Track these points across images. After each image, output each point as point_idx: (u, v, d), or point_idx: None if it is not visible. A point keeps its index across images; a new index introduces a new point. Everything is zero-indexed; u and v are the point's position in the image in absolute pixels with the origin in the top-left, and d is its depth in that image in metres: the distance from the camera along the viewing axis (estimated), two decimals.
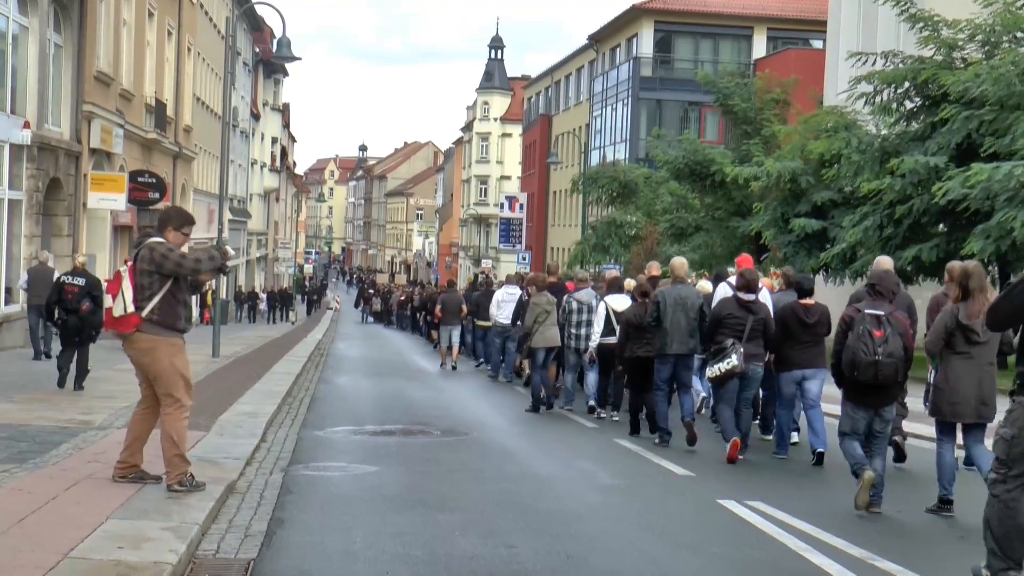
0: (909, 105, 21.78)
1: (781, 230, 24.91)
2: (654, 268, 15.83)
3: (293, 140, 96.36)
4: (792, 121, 29.70)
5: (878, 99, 22.09)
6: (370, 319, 67.01)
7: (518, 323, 19.29)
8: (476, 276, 40.61)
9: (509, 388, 20.06)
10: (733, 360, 11.50)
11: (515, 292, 21.13)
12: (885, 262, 9.83)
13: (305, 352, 27.94)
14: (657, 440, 12.78)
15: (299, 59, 24.52)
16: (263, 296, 62.17)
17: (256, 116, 65.35)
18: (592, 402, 15.70)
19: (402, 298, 56.42)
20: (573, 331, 15.95)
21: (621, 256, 38.57)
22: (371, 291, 74.41)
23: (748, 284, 11.77)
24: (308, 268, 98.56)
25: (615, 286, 15.86)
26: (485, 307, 23.15)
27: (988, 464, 7.16)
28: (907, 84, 21.30)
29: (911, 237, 20.63)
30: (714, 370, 11.69)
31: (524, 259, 55.64)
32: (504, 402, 18.07)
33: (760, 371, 11.90)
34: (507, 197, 73.82)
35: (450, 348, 25.52)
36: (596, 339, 15.26)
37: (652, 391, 13.11)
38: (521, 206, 71.17)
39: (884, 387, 9.01)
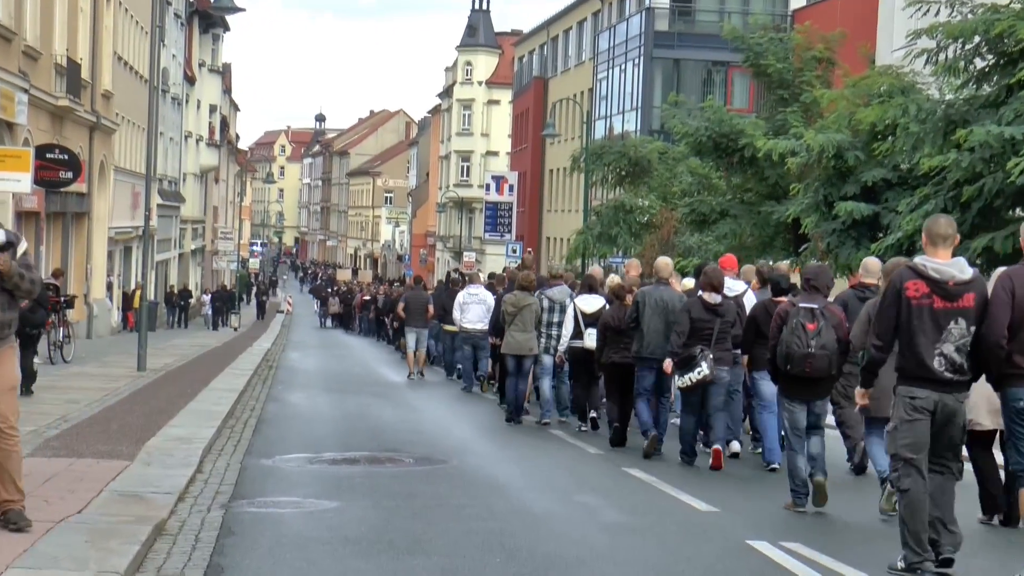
0: (980, 64, 21.74)
1: (824, 216, 24.88)
2: (633, 267, 17.08)
3: (236, 109, 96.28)
4: (838, 84, 29.68)
5: (942, 57, 22.05)
6: (328, 323, 67.12)
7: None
8: (448, 274, 40.75)
9: (495, 407, 20.10)
10: (704, 369, 12.86)
11: (479, 292, 22.40)
12: (873, 263, 10.60)
13: (251, 364, 27.93)
14: (645, 448, 13.98)
15: (243, 10, 24.48)
16: (205, 298, 62.14)
17: (191, 79, 65.24)
18: (557, 413, 17.26)
19: (365, 298, 56.57)
20: (545, 331, 17.14)
21: (631, 247, 38.55)
22: (329, 290, 74.45)
23: (712, 284, 13.06)
24: (254, 263, 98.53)
25: (586, 286, 16.98)
26: (451, 308, 23.89)
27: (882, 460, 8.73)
28: (977, 38, 21.25)
29: (982, 224, 20.62)
30: (685, 380, 13.04)
31: (515, 251, 55.65)
32: (489, 423, 18.08)
33: (726, 376, 13.29)
34: (494, 177, 73.83)
35: (416, 354, 26.60)
36: (565, 342, 16.56)
37: (634, 399, 14.36)
38: (511, 188, 71.20)
39: (817, 380, 10.63)
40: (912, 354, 8.18)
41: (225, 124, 79.42)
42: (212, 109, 72.45)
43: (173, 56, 57.05)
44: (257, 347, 36.98)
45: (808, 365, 10.49)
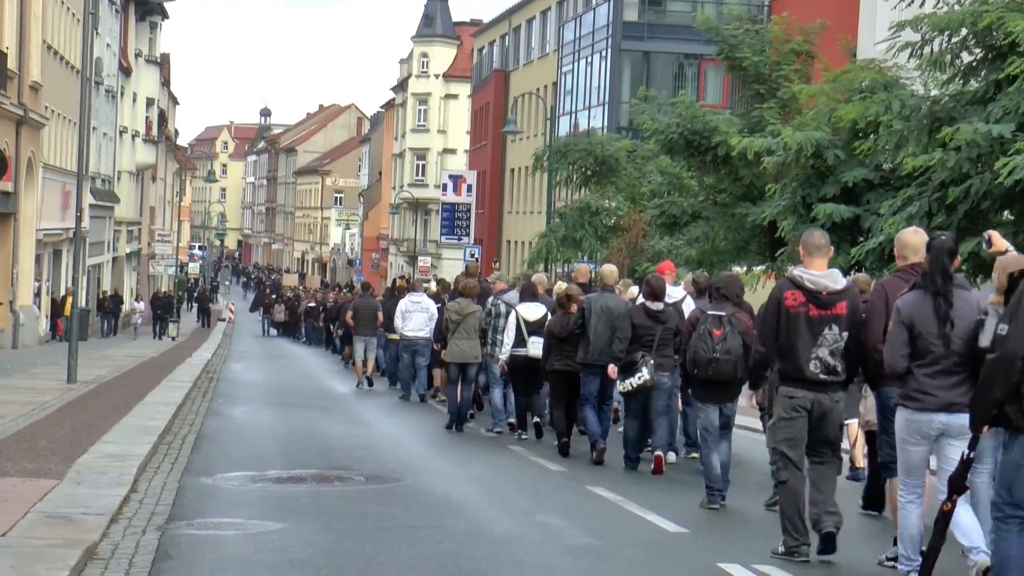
0: (967, 58, 21.88)
1: (802, 219, 24.97)
2: (581, 274, 18.02)
3: (175, 102, 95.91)
4: (817, 79, 29.84)
5: (927, 50, 22.18)
6: (272, 331, 67.11)
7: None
8: (394, 281, 40.96)
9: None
10: (644, 374, 13.92)
11: (421, 300, 23.34)
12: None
13: (190, 376, 27.84)
14: (593, 457, 14.94)
15: None
16: (138, 305, 61.83)
17: (126, 71, 64.96)
18: (510, 421, 18.15)
19: (311, 305, 56.73)
20: (499, 337, 17.94)
21: (597, 251, 38.62)
22: (273, 296, 74.40)
23: (654, 292, 14.23)
24: (194, 267, 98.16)
25: (529, 293, 17.83)
26: (392, 317, 24.60)
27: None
28: (964, 31, 21.38)
29: (968, 227, 20.73)
30: (626, 385, 14.16)
31: (473, 255, 55.68)
32: (445, 439, 18.10)
33: (667, 382, 14.25)
34: (451, 176, 73.83)
35: (364, 362, 27.60)
36: (507, 350, 17.39)
37: (581, 405, 15.48)
38: (469, 188, 71.21)
39: (723, 383, 12.11)
40: (791, 358, 9.48)
41: (163, 119, 79.10)
42: (149, 103, 72.13)
43: (107, 45, 56.78)
44: (197, 357, 36.86)
45: (712, 369, 12.02)
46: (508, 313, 17.80)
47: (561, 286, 17.61)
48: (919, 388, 8.60)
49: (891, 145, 22.10)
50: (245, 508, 11.50)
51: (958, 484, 7.96)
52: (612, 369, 14.47)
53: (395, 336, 24.93)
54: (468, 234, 69.55)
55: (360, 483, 13.38)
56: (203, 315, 76.50)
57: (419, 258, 74.10)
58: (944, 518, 8.05)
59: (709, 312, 12.32)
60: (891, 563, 9.28)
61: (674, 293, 15.30)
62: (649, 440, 14.85)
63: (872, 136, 22.89)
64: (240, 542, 9.99)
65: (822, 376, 9.44)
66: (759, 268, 27.78)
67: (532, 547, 10.12)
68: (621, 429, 16.14)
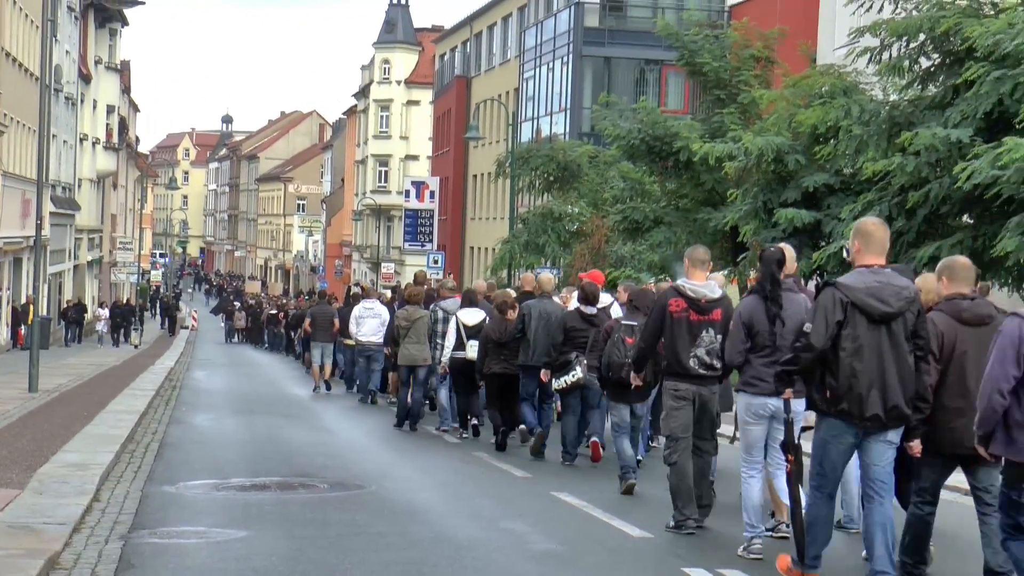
0: (925, 63, 22.00)
1: (763, 223, 25.06)
2: (527, 282, 18.91)
3: (136, 109, 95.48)
4: (777, 84, 29.95)
5: (886, 56, 22.29)
6: (235, 338, 67.11)
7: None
8: (349, 288, 41.13)
9: (419, 431, 20.14)
10: (578, 372, 14.99)
11: (374, 307, 24.59)
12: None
13: (152, 384, 27.74)
14: (532, 447, 16.16)
15: (142, 3, 24.38)
16: (101, 312, 61.57)
17: (86, 78, 64.64)
18: (449, 423, 19.35)
19: (272, 312, 56.94)
20: (439, 341, 19.17)
21: (560, 257, 38.66)
22: (235, 303, 74.34)
23: (588, 297, 15.35)
24: (156, 275, 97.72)
25: (467, 300, 18.80)
26: (348, 324, 25.88)
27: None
28: (923, 37, 21.50)
29: (928, 232, 20.85)
30: (560, 383, 15.29)
31: (436, 261, 55.62)
32: (409, 446, 18.08)
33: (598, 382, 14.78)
34: (414, 183, 73.68)
35: (321, 367, 28.92)
36: (448, 353, 18.48)
37: (515, 404, 16.81)
38: (432, 194, 71.11)
39: (633, 386, 12.78)
40: (674, 356, 11.01)
41: (124, 126, 78.74)
42: (110, 110, 71.77)
43: (67, 52, 56.50)
44: (159, 365, 36.72)
45: (624, 373, 12.76)
46: (446, 319, 18.96)
47: (511, 293, 18.68)
48: (756, 375, 10.02)
49: (851, 150, 22.19)
50: (208, 516, 11.47)
51: (789, 444, 9.10)
52: (544, 373, 15.83)
53: (351, 341, 26.12)
54: (431, 240, 69.45)
55: (324, 490, 13.36)
56: (168, 322, 76.29)
57: (382, 264, 73.94)
58: (791, 477, 9.20)
59: (623, 322, 13.41)
60: (769, 533, 10.40)
61: (602, 298, 16.13)
62: (586, 432, 15.88)
63: (832, 141, 22.96)
64: (203, 550, 9.95)
65: (701, 371, 10.93)
66: (721, 273, 27.86)
67: (497, 553, 10.12)
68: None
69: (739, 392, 10.27)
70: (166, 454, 16.11)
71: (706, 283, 11.08)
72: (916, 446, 8.65)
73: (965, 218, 20.81)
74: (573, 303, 16.64)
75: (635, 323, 12.86)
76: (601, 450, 15.29)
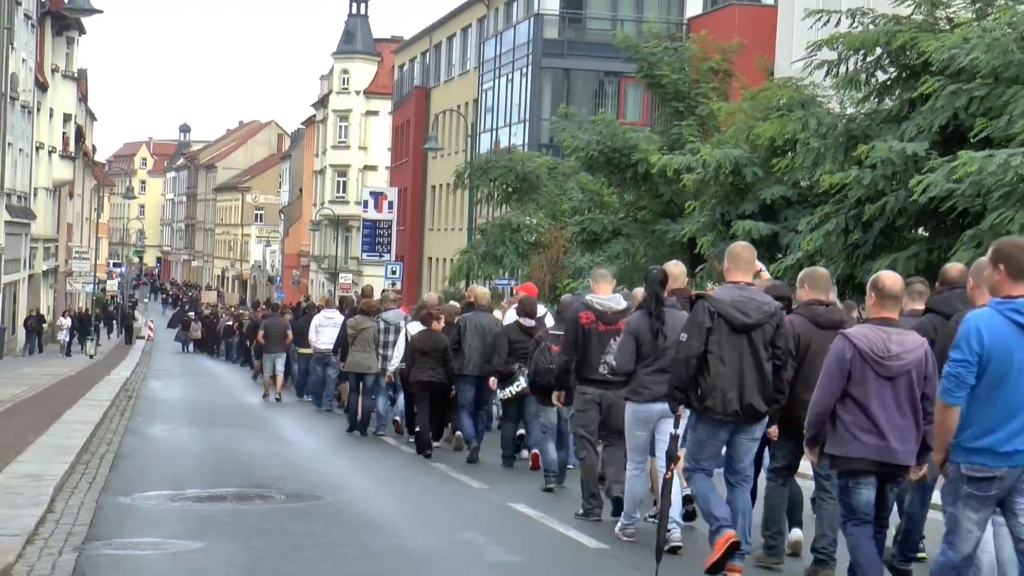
0: (882, 77, 22.14)
1: (721, 235, 25.13)
2: (472, 294, 19.35)
3: (93, 118, 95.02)
4: (735, 97, 30.07)
5: (843, 69, 22.42)
6: (190, 348, 67.06)
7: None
8: (299, 303, 41.38)
9: (376, 441, 20.15)
10: (521, 383, 15.58)
11: (333, 316, 25.18)
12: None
13: (108, 394, 27.59)
14: (468, 456, 16.84)
15: (100, 11, 24.28)
16: (64, 321, 61.28)
17: (42, 86, 64.26)
18: (396, 418, 20.55)
19: (229, 323, 57.06)
20: (380, 351, 20.34)
21: (518, 268, 38.67)
22: (191, 313, 74.18)
23: (527, 310, 16.24)
24: (112, 284, 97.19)
25: (419, 314, 19.32)
26: (306, 333, 26.79)
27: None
28: (879, 51, 21.63)
29: (884, 244, 20.97)
30: (505, 393, 16.05)
31: (394, 272, 55.55)
32: (366, 457, 18.05)
33: None
34: (372, 193, 73.59)
35: (274, 378, 29.55)
36: (395, 363, 19.29)
37: (458, 411, 17.58)
38: (390, 205, 71.03)
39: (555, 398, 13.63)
40: (585, 363, 12.11)
41: (81, 134, 78.32)
42: (66, 118, 71.33)
43: (23, 60, 56.13)
44: (115, 376, 36.52)
45: (551, 379, 13.43)
46: (387, 329, 20.23)
47: (455, 305, 20.00)
48: (641, 384, 10.95)
49: (808, 163, 22.29)
50: (164, 527, 11.41)
51: (672, 456, 9.86)
52: (492, 381, 16.57)
53: (307, 350, 26.98)
54: (389, 251, 69.37)
55: (280, 501, 13.32)
56: (124, 332, 75.96)
57: (340, 275, 73.80)
58: (666, 485, 9.92)
59: (551, 331, 14.48)
60: (651, 519, 11.63)
61: (539, 311, 16.84)
62: (526, 444, 16.65)
63: (790, 154, 23.07)
64: (159, 562, 9.90)
65: (609, 376, 11.89)
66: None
67: (454, 564, 10.11)
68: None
69: (626, 401, 11.15)
70: (121, 465, 16.02)
71: (612, 296, 12.37)
72: (773, 431, 9.96)
73: (921, 231, 20.94)
74: (511, 315, 17.34)
75: (560, 333, 13.43)
76: (541, 462, 15.39)
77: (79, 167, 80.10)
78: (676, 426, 9.85)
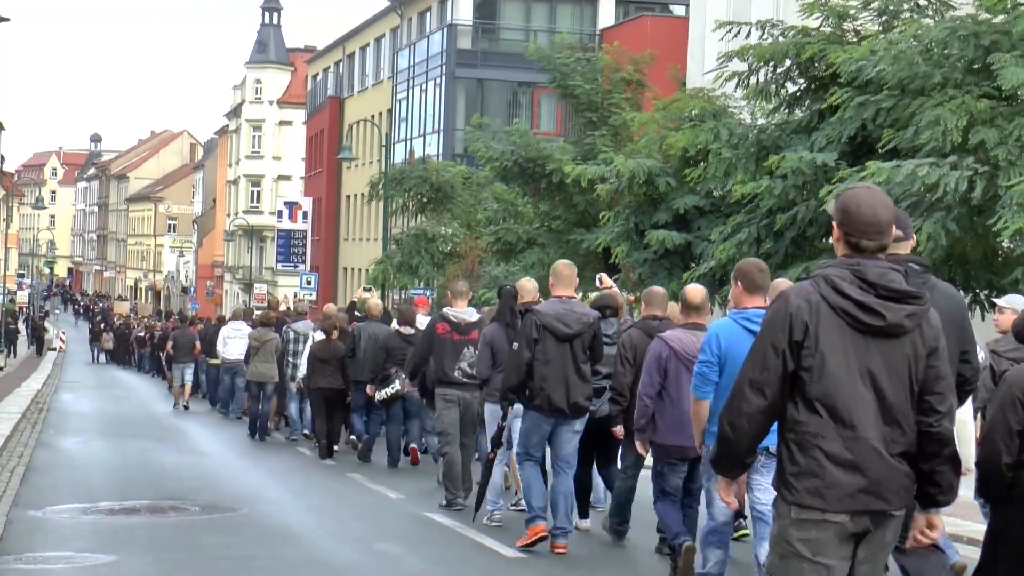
0: (791, 88, 22.36)
1: (635, 245, 25.26)
2: (374, 307, 20.02)
3: (0, 128, 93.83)
4: (648, 107, 30.22)
5: (753, 80, 22.60)
6: (101, 358, 66.61)
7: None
8: (209, 319, 41.62)
9: (291, 451, 20.06)
10: (396, 385, 16.98)
11: (241, 328, 25.69)
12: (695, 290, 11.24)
13: (18, 407, 27.29)
14: (358, 452, 18.34)
15: (7, 20, 23.98)
16: None
17: None
18: (306, 431, 21.30)
19: (141, 334, 56.77)
20: (290, 360, 21.18)
21: (433, 278, 38.63)
22: (103, 324, 73.61)
23: (407, 320, 17.38)
24: (22, 295, 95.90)
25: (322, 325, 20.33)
26: (214, 344, 27.59)
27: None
28: (788, 62, 21.83)
29: (795, 253, 21.16)
30: (382, 394, 17.30)
31: (309, 282, 55.29)
32: (283, 468, 17.97)
33: (416, 393, 16.27)
34: (286, 203, 73.26)
35: (183, 387, 30.89)
36: (302, 371, 20.13)
37: (339, 417, 19.09)
38: (305, 215, 70.75)
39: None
40: (441, 368, 13.54)
41: None
42: None
43: None
44: (26, 388, 36.07)
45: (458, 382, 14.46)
46: (297, 339, 21.05)
47: (342, 317, 20.66)
48: (496, 387, 11.96)
49: (720, 173, 22.45)
50: (76, 541, 11.30)
51: (496, 441, 11.62)
52: (370, 388, 17.74)
53: (216, 361, 27.85)
54: (304, 261, 69.04)
55: (195, 513, 13.23)
56: (36, 343, 75.20)
57: (255, 285, 73.34)
58: (489, 463, 11.73)
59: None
60: (513, 507, 12.76)
61: (420, 321, 17.62)
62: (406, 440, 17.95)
63: (702, 164, 23.21)
64: None
65: (464, 380, 13.35)
66: (594, 294, 28.00)
67: (371, 575, 10.08)
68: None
69: (486, 401, 12.52)
70: (32, 478, 15.83)
71: (466, 310, 13.88)
72: (619, 431, 11.05)
73: (831, 240, 21.11)
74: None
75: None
76: (419, 455, 17.43)
77: None
78: (503, 420, 11.54)
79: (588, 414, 11.28)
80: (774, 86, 22.52)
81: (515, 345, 11.10)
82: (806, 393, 5.09)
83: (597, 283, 14.62)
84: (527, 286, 12.61)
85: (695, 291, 10.43)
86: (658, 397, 9.85)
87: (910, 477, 5.15)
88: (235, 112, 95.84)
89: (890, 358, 5.13)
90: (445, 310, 14.07)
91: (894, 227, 5.50)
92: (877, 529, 5.09)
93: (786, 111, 22.72)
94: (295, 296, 47.62)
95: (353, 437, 19.11)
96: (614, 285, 13.69)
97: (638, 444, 10.23)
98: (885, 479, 5.06)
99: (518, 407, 11.55)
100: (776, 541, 5.14)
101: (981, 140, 17.40)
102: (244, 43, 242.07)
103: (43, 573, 9.85)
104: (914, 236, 8.46)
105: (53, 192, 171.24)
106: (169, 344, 32.44)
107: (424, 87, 55.58)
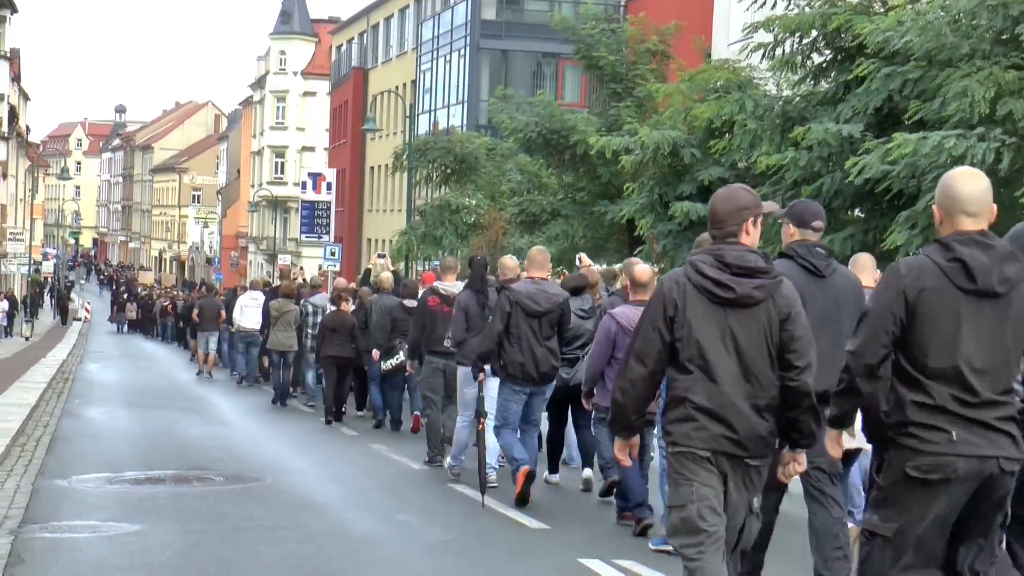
0: (817, 59, 22.25)
1: (659, 217, 25.21)
2: (385, 280, 20.62)
3: (26, 98, 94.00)
4: (673, 79, 30.12)
5: (779, 52, 22.50)
6: (125, 328, 66.85)
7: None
8: (236, 287, 41.67)
9: (315, 422, 20.10)
10: (400, 356, 17.47)
11: (259, 297, 26.44)
12: (642, 269, 12.23)
13: (44, 377, 27.39)
14: (374, 423, 19.14)
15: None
16: (1, 304, 60.84)
17: None
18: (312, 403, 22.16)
19: (165, 304, 57.00)
20: (309, 331, 21.72)
21: (457, 249, 38.63)
22: (126, 295, 73.82)
23: (410, 293, 17.82)
24: (48, 266, 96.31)
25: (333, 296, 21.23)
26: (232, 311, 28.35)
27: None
28: (815, 33, 21.73)
29: None
30: (387, 365, 18.12)
31: (333, 253, 55.36)
32: (306, 439, 18.01)
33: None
34: (310, 174, 73.32)
35: (207, 355, 31.59)
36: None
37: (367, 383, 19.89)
38: (329, 186, 70.79)
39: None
40: (432, 337, 14.50)
41: (14, 114, 77.50)
42: None
43: None
44: (52, 358, 36.21)
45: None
46: (315, 312, 21.55)
47: (340, 282, 22.40)
48: (470, 349, 12.86)
49: (745, 144, 22.38)
50: (101, 510, 11.34)
51: (480, 412, 12.22)
52: (375, 354, 18.43)
53: (234, 328, 28.47)
54: (328, 232, 69.11)
55: (219, 483, 13.27)
56: (61, 313, 75.54)
57: (279, 256, 73.44)
58: (480, 436, 12.19)
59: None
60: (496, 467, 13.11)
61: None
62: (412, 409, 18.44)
63: (727, 135, 23.15)
64: (96, 545, 9.84)
65: (451, 348, 13.81)
66: (618, 265, 27.98)
67: (393, 546, 10.11)
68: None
69: (458, 364, 13.40)
70: (58, 448, 15.91)
71: (455, 283, 14.63)
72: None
73: (856, 212, 21.09)
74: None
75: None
76: (421, 423, 17.48)
77: (12, 147, 79.31)
78: (480, 391, 12.31)
79: (563, 381, 12.62)
80: (800, 57, 22.43)
81: (491, 318, 12.29)
82: (679, 357, 6.15)
83: (577, 263, 15.71)
84: (508, 263, 13.60)
85: (643, 270, 11.59)
86: (608, 366, 10.86)
87: (770, 431, 6.15)
88: (259, 83, 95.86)
89: (747, 325, 6.13)
90: (435, 283, 15.06)
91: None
92: (735, 472, 6.10)
93: (812, 82, 22.62)
94: (319, 268, 47.61)
95: (367, 412, 20.25)
96: (592, 264, 14.84)
97: (585, 403, 11.57)
98: (743, 428, 6.06)
99: (494, 380, 12.39)
100: (668, 473, 6.31)
101: (1009, 111, 17.29)
102: (269, 14, 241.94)
103: (69, 542, 9.90)
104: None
105: (78, 163, 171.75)
106: (195, 312, 33.06)
107: (448, 58, 55.50)
